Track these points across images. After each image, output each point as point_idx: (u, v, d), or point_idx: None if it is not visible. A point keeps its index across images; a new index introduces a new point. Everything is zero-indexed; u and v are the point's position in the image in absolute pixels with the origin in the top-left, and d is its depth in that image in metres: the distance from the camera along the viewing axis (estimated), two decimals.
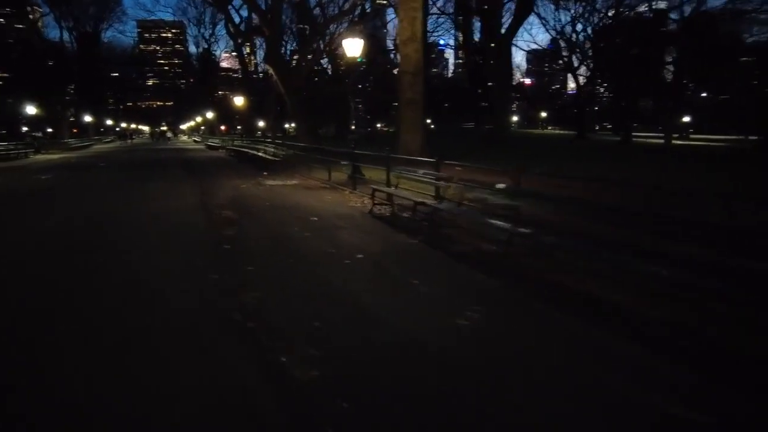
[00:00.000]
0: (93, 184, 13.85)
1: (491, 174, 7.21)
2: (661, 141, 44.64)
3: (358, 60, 10.93)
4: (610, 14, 45.70)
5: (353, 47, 11.68)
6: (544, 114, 71.10)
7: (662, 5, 43.89)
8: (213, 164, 20.68)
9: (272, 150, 19.71)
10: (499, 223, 5.66)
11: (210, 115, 58.65)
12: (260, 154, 20.66)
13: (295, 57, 37.77)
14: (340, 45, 45.27)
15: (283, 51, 35.93)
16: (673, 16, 42.31)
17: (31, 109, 37.95)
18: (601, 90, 58.96)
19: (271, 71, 26.85)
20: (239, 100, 30.17)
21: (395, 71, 57.80)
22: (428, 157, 16.83)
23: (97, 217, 8.52)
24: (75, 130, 65.75)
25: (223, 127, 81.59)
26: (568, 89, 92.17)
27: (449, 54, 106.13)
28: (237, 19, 40.85)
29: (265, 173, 15.75)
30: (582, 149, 28.61)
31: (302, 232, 6.92)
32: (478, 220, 6.21)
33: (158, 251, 6.01)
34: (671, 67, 46.50)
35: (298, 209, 8.92)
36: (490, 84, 53.13)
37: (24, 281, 4.92)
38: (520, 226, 5.30)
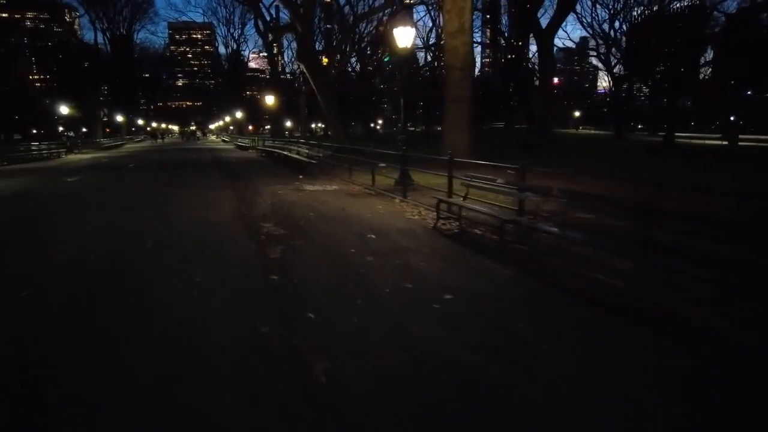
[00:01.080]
0: (121, 190, 12.82)
1: (597, 184, 5.75)
2: (704, 142, 42.11)
3: (404, 50, 9.63)
4: (652, 9, 43.39)
5: (404, 36, 10.31)
6: (577, 113, 68.41)
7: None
8: (245, 165, 19.58)
9: (306, 151, 18.52)
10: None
11: (239, 114, 58.11)
12: (293, 155, 19.50)
13: (325, 56, 36.70)
14: (368, 43, 43.83)
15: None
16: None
17: (64, 110, 37.70)
18: (641, 89, 56.28)
19: (302, 68, 25.69)
20: (270, 99, 29.17)
21: (440, 68, 56.48)
22: (474, 159, 15.39)
23: (119, 240, 7.37)
24: (108, 130, 66.33)
25: (250, 127, 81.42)
26: (599, 88, 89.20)
27: (476, 53, 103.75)
28: (267, 17, 40.02)
29: (301, 176, 14.53)
30: (634, 152, 26.61)
31: (363, 256, 5.60)
32: (600, 247, 4.77)
33: (192, 292, 4.66)
34: (709, 67, 43.98)
35: (350, 222, 7.61)
36: (520, 82, 51.38)
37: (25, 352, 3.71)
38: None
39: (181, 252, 5.92)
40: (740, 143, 40.08)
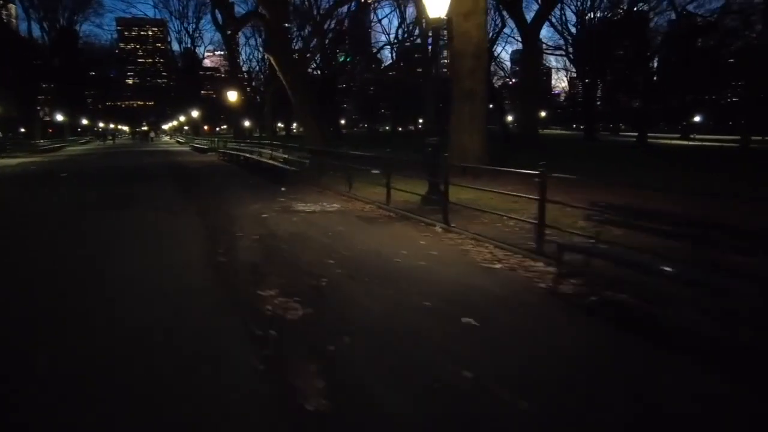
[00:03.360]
0: (37, 217, 9.11)
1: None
2: (676, 142, 41.50)
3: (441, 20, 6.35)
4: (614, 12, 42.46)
5: (437, 5, 7.31)
6: (543, 114, 67.39)
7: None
8: (209, 174, 15.84)
9: (281, 155, 15.14)
10: None
11: (195, 114, 53.14)
12: (266, 160, 16.06)
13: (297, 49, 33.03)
14: (330, 41, 40.30)
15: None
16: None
17: None
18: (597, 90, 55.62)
19: (271, 61, 22.13)
20: (232, 96, 25.38)
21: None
22: (488, 164, 12.55)
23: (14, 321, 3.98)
24: (50, 131, 59.56)
25: (206, 128, 75.82)
26: (555, 89, 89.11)
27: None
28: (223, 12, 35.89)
29: (283, 189, 11.23)
30: (618, 152, 24.76)
31: (489, 395, 2.56)
32: None
33: None
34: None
35: (402, 280, 4.53)
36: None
37: None
38: None
39: (113, 362, 2.73)
40: (698, 143, 39.70)
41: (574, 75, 60.00)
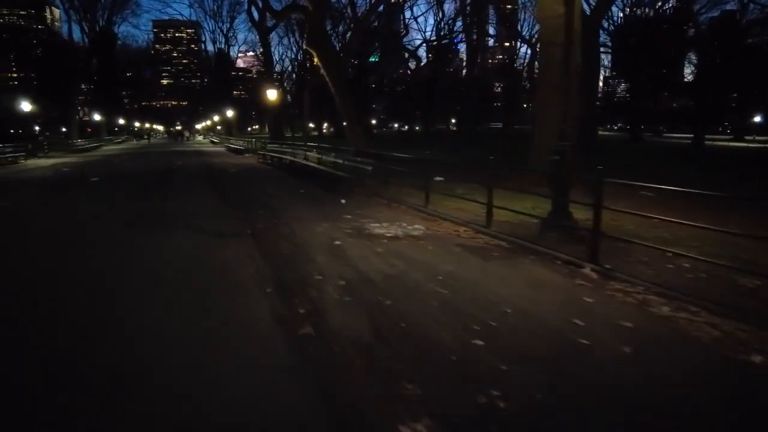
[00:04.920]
0: (46, 238, 7.46)
1: None
2: (733, 144, 38.19)
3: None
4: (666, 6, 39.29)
5: None
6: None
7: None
8: (254, 180, 13.85)
9: (331, 159, 13.31)
10: None
11: (230, 113, 52.09)
12: (312, 164, 14.30)
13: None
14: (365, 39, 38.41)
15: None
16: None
17: (26, 107, 31.63)
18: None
19: (314, 56, 20.40)
20: (272, 94, 23.77)
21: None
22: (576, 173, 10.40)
23: None
24: (89, 130, 59.67)
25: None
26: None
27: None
28: (260, 4, 34.45)
29: (343, 201, 9.37)
30: (687, 157, 22.17)
31: None
32: None
33: None
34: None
35: (629, 402, 2.58)
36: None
37: None
38: None
39: None
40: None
41: (608, 74, 56.65)
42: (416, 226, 7.03)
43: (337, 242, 6.03)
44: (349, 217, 7.76)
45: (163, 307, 3.96)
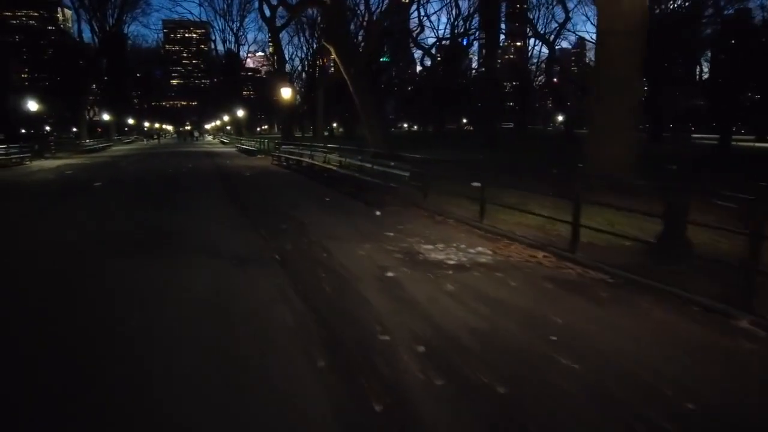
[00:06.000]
0: (25, 269, 6.18)
1: None
2: (758, 145, 36.40)
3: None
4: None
5: None
6: None
7: None
8: (271, 186, 12.26)
9: (358, 163, 11.98)
10: None
11: (240, 113, 50.91)
12: (333, 167, 13.00)
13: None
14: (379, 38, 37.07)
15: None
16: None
17: (33, 106, 30.63)
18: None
19: (331, 51, 19.07)
20: (286, 93, 22.45)
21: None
22: (630, 176, 8.98)
23: None
24: (99, 130, 58.80)
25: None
26: None
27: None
28: (271, 4, 33.22)
29: (378, 213, 8.06)
30: (718, 160, 20.63)
31: None
32: None
33: None
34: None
35: None
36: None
37: None
38: None
39: None
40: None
41: None
42: (479, 249, 5.69)
43: (390, 273, 4.71)
44: (391, 234, 6.44)
45: (166, 365, 2.64)
